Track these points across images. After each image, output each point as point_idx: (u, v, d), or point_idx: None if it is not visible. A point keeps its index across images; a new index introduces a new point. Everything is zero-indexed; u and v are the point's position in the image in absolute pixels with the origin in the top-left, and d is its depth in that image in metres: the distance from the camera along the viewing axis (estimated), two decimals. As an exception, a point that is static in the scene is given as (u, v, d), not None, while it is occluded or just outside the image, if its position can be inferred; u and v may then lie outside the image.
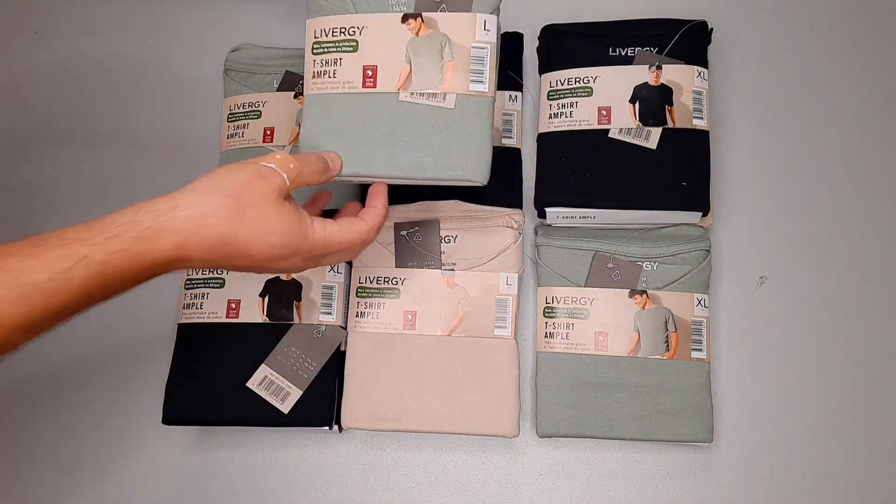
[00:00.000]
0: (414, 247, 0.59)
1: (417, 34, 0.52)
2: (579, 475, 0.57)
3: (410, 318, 0.57)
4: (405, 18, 0.52)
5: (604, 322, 0.56)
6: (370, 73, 0.52)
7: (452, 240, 0.59)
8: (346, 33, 0.53)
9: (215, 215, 0.41)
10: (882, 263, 0.59)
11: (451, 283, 0.58)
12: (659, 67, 0.59)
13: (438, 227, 0.59)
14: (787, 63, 0.65)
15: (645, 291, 0.56)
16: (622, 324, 0.56)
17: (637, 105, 0.59)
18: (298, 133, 0.63)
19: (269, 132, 0.64)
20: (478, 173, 0.51)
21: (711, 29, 0.60)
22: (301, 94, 0.65)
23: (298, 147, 0.53)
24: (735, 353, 0.58)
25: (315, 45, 0.53)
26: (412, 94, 0.51)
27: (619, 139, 0.58)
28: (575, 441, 0.57)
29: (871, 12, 0.65)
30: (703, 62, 0.60)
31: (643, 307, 0.56)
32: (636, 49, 0.60)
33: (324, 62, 0.53)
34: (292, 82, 0.65)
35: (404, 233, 0.59)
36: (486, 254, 0.58)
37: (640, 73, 0.59)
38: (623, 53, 0.60)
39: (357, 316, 0.58)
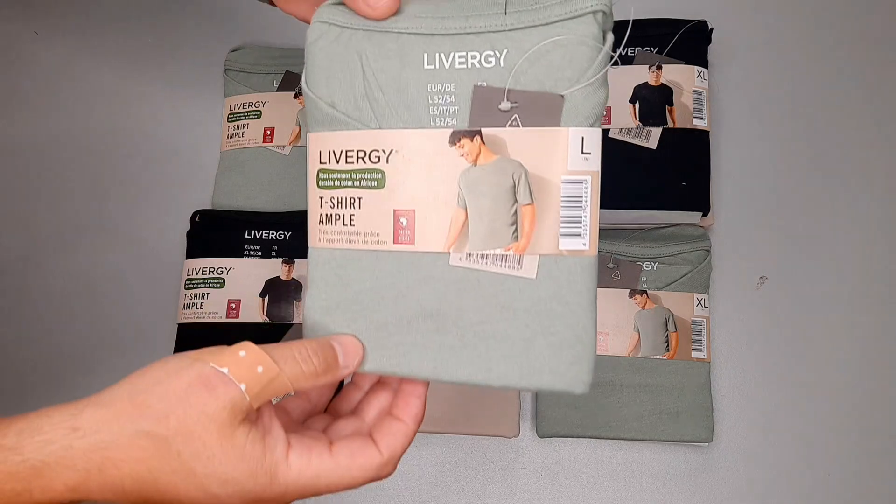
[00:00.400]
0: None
1: (475, 162, 0.33)
2: (579, 475, 0.57)
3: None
4: (455, 138, 0.33)
5: (604, 322, 0.56)
6: (405, 221, 0.34)
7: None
8: (367, 160, 0.34)
9: (128, 450, 0.27)
10: (882, 263, 0.59)
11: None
12: (659, 67, 0.59)
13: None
14: (787, 63, 0.65)
15: (645, 291, 0.56)
16: (622, 324, 0.56)
17: (637, 105, 0.59)
18: (299, 132, 0.64)
19: (269, 132, 0.64)
20: (577, 380, 0.34)
21: (711, 29, 0.60)
22: (302, 93, 0.65)
23: (303, 322, 0.37)
24: (735, 353, 0.58)
25: (321, 175, 0.36)
26: (469, 255, 0.34)
27: (619, 139, 0.58)
28: (575, 441, 0.57)
29: (870, 12, 0.65)
30: (704, 62, 0.60)
31: (643, 307, 0.56)
32: (636, 49, 0.60)
33: (334, 201, 0.35)
34: (292, 82, 0.65)
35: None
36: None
37: (640, 73, 0.59)
38: (623, 53, 0.60)
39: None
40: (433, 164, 0.34)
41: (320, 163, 0.36)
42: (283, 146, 0.64)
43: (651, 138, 0.58)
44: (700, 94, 0.59)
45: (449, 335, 0.34)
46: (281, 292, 0.59)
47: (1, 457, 0.27)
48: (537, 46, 0.32)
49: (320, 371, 0.32)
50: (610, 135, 0.58)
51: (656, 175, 0.57)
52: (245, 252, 0.60)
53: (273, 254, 0.60)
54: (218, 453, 0.28)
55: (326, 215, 0.36)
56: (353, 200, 0.35)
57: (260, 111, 0.65)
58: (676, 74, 0.59)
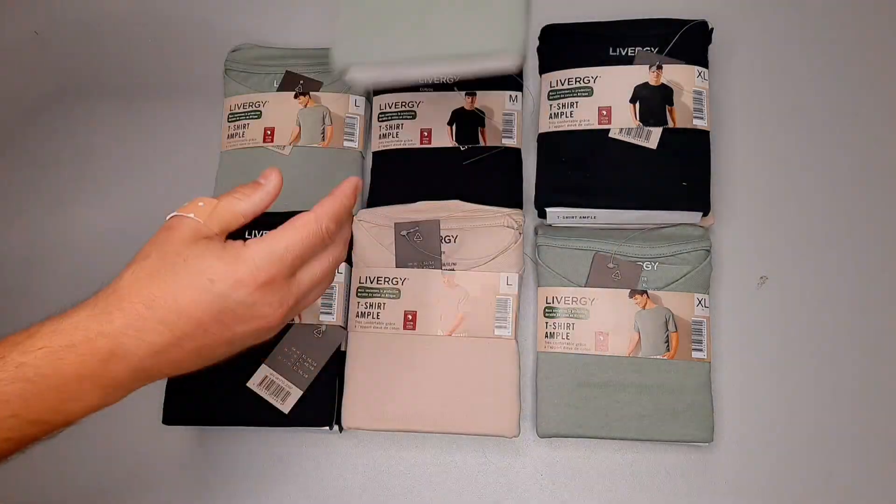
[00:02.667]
0: (414, 247, 0.59)
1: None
2: (579, 475, 0.57)
3: (411, 318, 0.57)
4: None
5: (604, 322, 0.56)
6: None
7: (453, 240, 0.58)
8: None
9: (132, 284, 0.36)
10: (882, 263, 0.59)
11: (452, 282, 0.58)
12: (659, 67, 0.59)
13: (438, 227, 0.59)
14: (788, 63, 0.65)
15: (645, 291, 0.56)
16: (622, 324, 0.56)
17: (637, 105, 0.59)
18: (300, 133, 0.64)
19: (269, 132, 0.64)
20: (511, 45, 0.45)
21: (712, 29, 0.60)
22: (302, 94, 0.65)
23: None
24: (735, 353, 0.58)
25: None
26: None
27: (619, 139, 0.58)
28: (575, 441, 0.57)
29: (871, 12, 0.65)
30: (704, 62, 0.60)
31: (643, 307, 0.56)
32: (636, 49, 0.60)
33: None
34: (292, 82, 0.65)
35: (404, 233, 0.59)
36: (486, 254, 0.58)
37: (640, 73, 0.59)
38: (623, 53, 0.60)
39: (357, 316, 0.58)
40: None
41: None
42: (284, 146, 0.64)
43: (651, 138, 0.58)
44: (700, 93, 0.59)
45: (426, 29, 0.45)
46: (281, 292, 0.59)
47: (49, 324, 0.35)
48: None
49: (249, 194, 0.41)
50: (610, 135, 0.58)
51: (656, 175, 0.57)
52: (245, 252, 0.60)
53: (273, 254, 0.60)
54: (190, 255, 0.37)
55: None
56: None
57: (260, 111, 0.65)
58: (677, 74, 0.59)
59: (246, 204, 0.41)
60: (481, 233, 0.58)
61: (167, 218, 0.39)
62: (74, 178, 0.68)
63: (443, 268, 0.58)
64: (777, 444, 0.56)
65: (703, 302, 0.56)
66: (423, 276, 0.58)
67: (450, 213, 0.59)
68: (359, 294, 0.59)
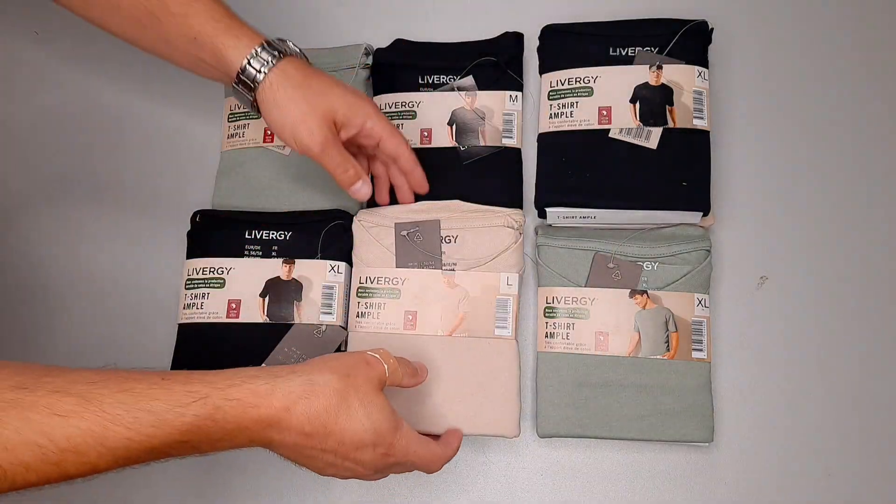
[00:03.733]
0: (414, 247, 0.59)
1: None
2: (579, 475, 0.57)
3: (411, 318, 0.57)
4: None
5: (604, 322, 0.56)
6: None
7: (453, 240, 0.58)
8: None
9: (326, 385, 0.43)
10: (882, 263, 0.59)
11: (452, 283, 0.58)
12: (659, 67, 0.59)
13: (439, 227, 0.59)
14: (788, 63, 0.65)
15: (645, 291, 0.56)
16: (623, 324, 0.56)
17: (637, 105, 0.59)
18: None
19: (269, 132, 0.64)
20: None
21: (712, 29, 0.60)
22: (301, 94, 0.65)
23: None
24: (735, 353, 0.58)
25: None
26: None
27: (619, 139, 0.58)
28: (575, 441, 0.57)
29: (871, 12, 0.65)
30: (704, 62, 0.60)
31: (644, 307, 0.56)
32: (636, 49, 0.60)
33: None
34: (292, 82, 0.65)
35: (405, 233, 0.59)
36: (486, 254, 0.58)
37: (640, 73, 0.59)
38: (623, 53, 0.60)
39: (357, 316, 0.58)
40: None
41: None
42: (284, 146, 0.64)
43: (651, 138, 0.58)
44: (700, 93, 0.58)
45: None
46: (281, 292, 0.59)
47: (249, 380, 0.41)
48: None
49: (411, 375, 0.50)
50: (610, 135, 0.58)
51: (656, 175, 0.57)
52: (245, 252, 0.60)
53: (273, 254, 0.60)
54: (373, 400, 0.45)
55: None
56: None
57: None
58: (677, 74, 0.59)
59: (406, 381, 0.50)
60: (482, 233, 0.58)
61: (367, 353, 0.47)
62: (75, 179, 0.68)
63: (443, 268, 0.58)
64: (777, 444, 0.56)
65: (703, 302, 0.56)
66: (424, 277, 0.58)
67: (450, 214, 0.59)
68: (359, 294, 0.59)
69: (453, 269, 0.58)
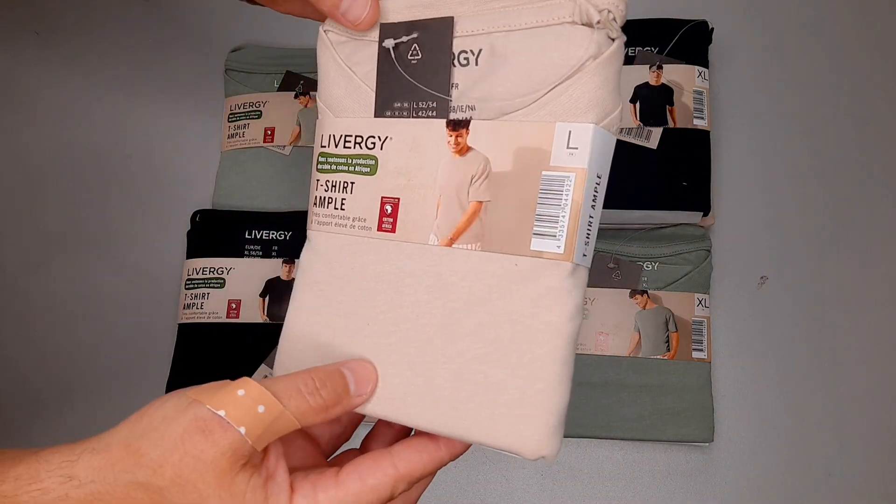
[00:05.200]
0: (405, 75, 0.33)
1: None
2: (579, 475, 0.57)
3: (390, 209, 0.33)
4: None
5: (604, 322, 0.56)
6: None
7: (473, 57, 0.31)
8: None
9: (123, 501, 0.26)
10: (882, 263, 0.59)
11: (463, 143, 0.32)
12: (660, 67, 0.59)
13: (450, 33, 0.31)
14: (788, 63, 0.65)
15: (646, 291, 0.56)
16: (623, 324, 0.56)
17: (638, 105, 0.59)
18: (300, 133, 0.64)
19: (269, 132, 0.64)
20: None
21: (712, 29, 0.60)
22: (302, 94, 0.65)
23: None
24: (736, 353, 0.58)
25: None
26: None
27: (619, 139, 0.58)
28: (575, 441, 0.57)
29: (871, 12, 0.65)
30: (704, 62, 0.60)
31: (644, 307, 0.56)
32: (637, 49, 0.60)
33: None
34: (293, 82, 0.65)
35: (392, 44, 0.33)
36: (534, 84, 0.30)
37: (640, 73, 0.59)
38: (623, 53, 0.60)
39: (316, 204, 0.36)
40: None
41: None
42: (284, 146, 0.64)
43: (651, 138, 0.58)
44: (700, 93, 0.58)
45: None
46: (281, 292, 0.59)
47: None
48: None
49: (329, 403, 0.29)
50: (610, 135, 0.58)
51: (657, 175, 0.57)
52: (245, 252, 0.60)
53: (273, 254, 0.60)
54: (214, 502, 0.26)
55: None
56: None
57: (260, 111, 0.65)
58: (677, 74, 0.59)
59: (316, 417, 0.29)
60: (529, 40, 0.30)
61: (206, 408, 0.27)
62: (75, 179, 0.68)
63: (450, 114, 0.32)
64: (777, 444, 0.56)
65: (703, 302, 0.56)
66: (416, 132, 0.33)
67: (477, 7, 0.31)
68: (319, 166, 0.36)
69: (468, 117, 0.31)
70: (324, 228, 0.35)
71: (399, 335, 0.32)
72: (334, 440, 0.35)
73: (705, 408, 0.55)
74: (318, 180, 0.35)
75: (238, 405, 0.27)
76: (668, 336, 0.55)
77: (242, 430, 0.26)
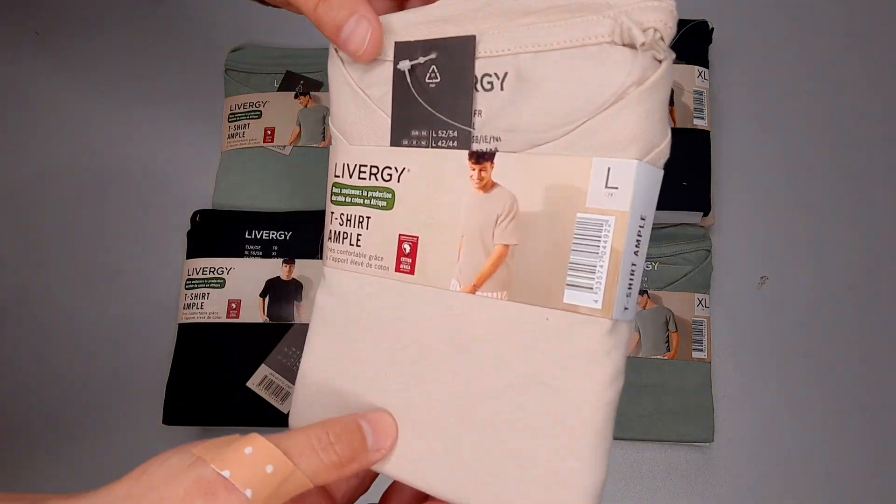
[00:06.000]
0: (421, 102, 0.30)
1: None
2: (580, 475, 0.57)
3: (408, 249, 0.30)
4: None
5: (604, 322, 0.56)
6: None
7: (498, 81, 0.28)
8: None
9: None
10: (882, 263, 0.59)
11: (487, 178, 0.28)
12: (659, 67, 0.59)
13: (472, 53, 0.28)
14: (788, 63, 0.65)
15: (646, 291, 0.56)
16: (623, 324, 0.56)
17: (638, 105, 0.59)
18: (300, 133, 0.64)
19: (269, 132, 0.64)
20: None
21: (712, 29, 0.60)
22: (302, 94, 0.65)
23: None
24: (736, 353, 0.58)
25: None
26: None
27: (619, 139, 0.58)
28: (575, 441, 0.57)
29: (871, 12, 0.65)
30: (704, 62, 0.60)
31: (644, 307, 0.56)
32: (637, 49, 0.60)
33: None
34: (293, 82, 0.65)
35: (408, 65, 0.30)
36: (568, 113, 0.26)
37: (640, 73, 0.59)
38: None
39: (330, 239, 0.34)
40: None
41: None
42: (284, 146, 0.64)
43: (651, 138, 0.58)
44: (701, 93, 0.58)
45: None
46: (281, 292, 0.59)
47: None
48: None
49: (345, 460, 0.27)
50: (610, 135, 0.58)
51: (657, 175, 0.57)
52: (245, 252, 0.60)
53: (274, 254, 0.60)
54: None
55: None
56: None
57: (260, 111, 0.65)
58: (677, 74, 0.59)
59: (329, 475, 0.27)
60: (560, 63, 0.26)
61: (210, 467, 0.25)
62: (75, 179, 0.68)
63: (473, 144, 0.29)
64: (777, 444, 0.56)
65: (703, 302, 0.56)
66: (436, 164, 0.30)
67: (501, 21, 0.28)
68: (333, 199, 0.34)
69: (492, 148, 0.28)
70: (339, 266, 0.33)
71: (419, 392, 0.29)
72: (350, 492, 0.34)
73: (705, 408, 0.54)
74: (332, 213, 0.33)
75: (245, 464, 0.25)
76: (668, 336, 0.55)
77: (249, 492, 0.24)
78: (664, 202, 0.56)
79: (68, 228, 0.67)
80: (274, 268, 0.59)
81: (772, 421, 0.57)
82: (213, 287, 0.60)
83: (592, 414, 0.26)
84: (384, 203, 0.31)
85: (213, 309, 0.59)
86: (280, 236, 0.61)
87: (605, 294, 0.26)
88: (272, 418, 0.56)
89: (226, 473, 0.24)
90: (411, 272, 0.30)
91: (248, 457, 0.25)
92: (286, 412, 0.56)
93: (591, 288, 0.26)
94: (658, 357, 0.55)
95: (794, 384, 0.57)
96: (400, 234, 0.30)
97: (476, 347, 0.28)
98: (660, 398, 0.55)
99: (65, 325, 0.64)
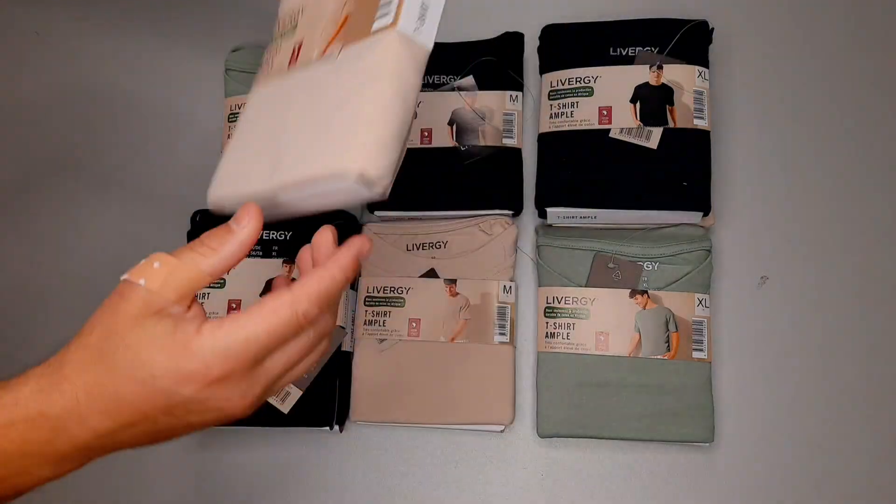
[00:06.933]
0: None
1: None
2: (580, 475, 0.57)
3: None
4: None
5: (605, 322, 0.56)
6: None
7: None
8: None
9: (76, 363, 0.32)
10: (882, 263, 0.59)
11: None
12: (660, 67, 0.59)
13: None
14: (788, 63, 0.65)
15: (646, 291, 0.56)
16: (623, 324, 0.56)
17: (638, 105, 0.59)
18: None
19: (269, 132, 0.64)
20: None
21: (712, 29, 0.60)
22: (301, 93, 0.65)
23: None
24: (736, 353, 0.58)
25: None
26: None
27: (619, 139, 0.58)
28: (575, 441, 0.57)
29: (871, 12, 0.65)
30: (704, 62, 0.60)
31: (644, 307, 0.56)
32: (637, 49, 0.60)
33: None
34: (293, 82, 0.65)
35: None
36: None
37: (640, 73, 0.59)
38: (624, 53, 0.60)
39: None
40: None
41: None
42: (284, 146, 0.64)
43: (652, 138, 0.58)
44: (701, 93, 0.58)
45: None
46: (281, 292, 0.59)
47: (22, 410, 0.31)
48: None
49: (216, 246, 0.35)
50: (610, 135, 0.58)
51: (657, 175, 0.57)
52: (245, 252, 0.60)
53: (274, 254, 0.60)
54: (132, 342, 0.32)
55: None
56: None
57: (260, 111, 0.65)
58: (677, 74, 0.59)
59: (213, 260, 0.34)
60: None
61: (120, 279, 0.34)
62: (75, 179, 0.68)
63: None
64: (777, 444, 0.56)
65: (703, 302, 0.56)
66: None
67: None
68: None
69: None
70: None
71: (268, 138, 0.38)
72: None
73: (705, 408, 0.54)
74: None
75: (142, 268, 0.33)
76: (668, 336, 0.55)
77: (142, 281, 0.32)
78: (664, 202, 0.57)
79: (68, 228, 0.67)
80: (274, 268, 0.59)
81: (772, 421, 0.57)
82: (214, 287, 0.60)
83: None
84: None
85: (213, 309, 0.59)
86: (280, 236, 0.61)
87: (395, 12, 0.35)
88: (272, 418, 0.56)
89: (125, 276, 0.33)
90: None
91: (141, 264, 0.34)
92: (286, 412, 0.56)
93: (388, 14, 0.35)
94: (658, 357, 0.55)
95: (794, 384, 0.57)
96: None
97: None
98: (660, 398, 0.55)
99: (64, 325, 0.64)
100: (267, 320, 0.32)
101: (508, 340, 0.57)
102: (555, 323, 0.57)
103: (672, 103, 0.58)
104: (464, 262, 0.59)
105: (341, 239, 0.51)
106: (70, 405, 0.31)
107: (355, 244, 0.36)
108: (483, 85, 0.63)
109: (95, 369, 0.32)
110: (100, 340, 0.32)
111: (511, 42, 0.64)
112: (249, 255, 0.60)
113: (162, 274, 0.33)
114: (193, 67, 0.70)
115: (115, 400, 0.32)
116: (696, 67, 0.59)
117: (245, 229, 0.35)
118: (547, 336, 0.57)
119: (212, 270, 0.34)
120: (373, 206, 0.62)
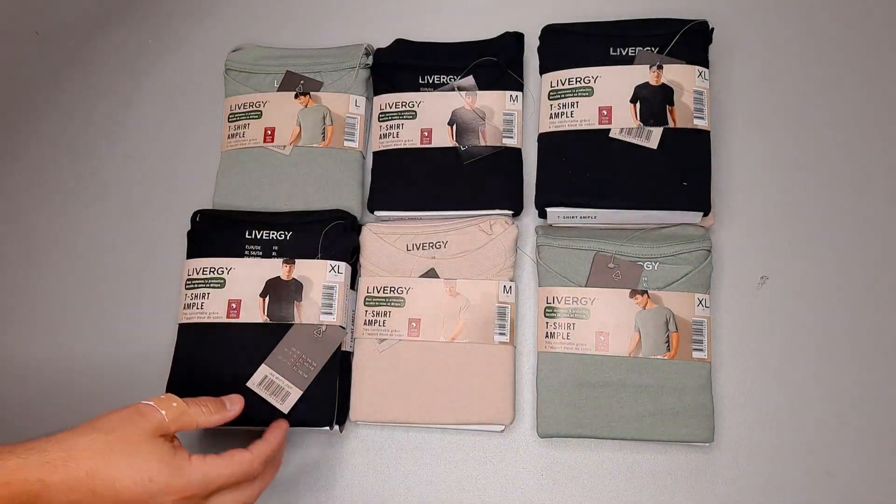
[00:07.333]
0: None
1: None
2: (579, 475, 0.57)
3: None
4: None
5: (605, 322, 0.56)
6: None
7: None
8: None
9: (87, 449, 0.41)
10: (882, 263, 0.59)
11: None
12: (660, 67, 0.59)
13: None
14: (788, 63, 0.65)
15: (646, 291, 0.56)
16: (623, 324, 0.56)
17: (638, 105, 0.59)
18: (300, 133, 0.64)
19: (269, 132, 0.64)
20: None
21: (712, 29, 0.60)
22: (302, 94, 0.65)
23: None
24: (736, 353, 0.58)
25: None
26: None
27: (619, 139, 0.58)
28: (575, 441, 0.57)
29: (871, 12, 0.65)
30: (704, 62, 0.60)
31: (644, 307, 0.56)
32: (637, 49, 0.60)
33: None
34: (293, 82, 0.65)
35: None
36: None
37: (640, 73, 0.59)
38: (624, 53, 0.60)
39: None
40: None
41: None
42: (284, 146, 0.64)
43: (652, 138, 0.58)
44: (701, 93, 0.58)
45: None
46: (281, 292, 0.59)
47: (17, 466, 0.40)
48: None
49: (213, 412, 0.49)
50: (610, 135, 0.58)
51: (657, 175, 0.57)
52: (245, 252, 0.60)
53: (273, 254, 0.60)
54: (143, 451, 0.43)
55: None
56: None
57: (260, 111, 0.65)
58: (677, 74, 0.59)
59: (206, 420, 0.48)
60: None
61: (142, 402, 0.45)
62: (75, 179, 0.68)
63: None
64: (777, 444, 0.56)
65: (703, 302, 0.56)
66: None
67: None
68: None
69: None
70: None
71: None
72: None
73: (705, 408, 0.55)
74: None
75: (162, 401, 0.46)
76: (668, 336, 0.55)
77: (164, 412, 0.45)
78: (664, 202, 0.57)
79: (68, 228, 0.67)
80: (274, 268, 0.59)
81: (772, 421, 0.57)
82: (214, 287, 0.60)
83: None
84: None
85: (213, 309, 0.59)
86: (280, 236, 0.61)
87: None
88: (272, 418, 0.56)
89: (150, 403, 0.45)
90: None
91: (163, 398, 0.46)
92: (286, 412, 0.56)
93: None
94: (658, 357, 0.55)
95: (793, 384, 0.57)
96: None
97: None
98: (660, 398, 0.55)
99: (65, 325, 0.64)
100: (234, 468, 0.46)
101: (508, 340, 0.57)
102: (555, 323, 0.57)
103: (672, 103, 0.58)
104: (464, 262, 0.59)
105: (342, 238, 0.62)
106: (67, 481, 0.40)
107: (280, 426, 0.52)
108: (483, 85, 0.63)
109: (104, 459, 0.42)
110: (116, 440, 0.42)
111: (511, 42, 0.64)
112: (249, 255, 0.61)
113: (176, 412, 0.45)
114: (193, 67, 0.70)
115: (109, 488, 0.41)
116: (696, 67, 0.59)
117: (231, 412, 0.50)
118: (547, 336, 0.57)
119: (202, 423, 0.48)
120: (373, 206, 0.62)
